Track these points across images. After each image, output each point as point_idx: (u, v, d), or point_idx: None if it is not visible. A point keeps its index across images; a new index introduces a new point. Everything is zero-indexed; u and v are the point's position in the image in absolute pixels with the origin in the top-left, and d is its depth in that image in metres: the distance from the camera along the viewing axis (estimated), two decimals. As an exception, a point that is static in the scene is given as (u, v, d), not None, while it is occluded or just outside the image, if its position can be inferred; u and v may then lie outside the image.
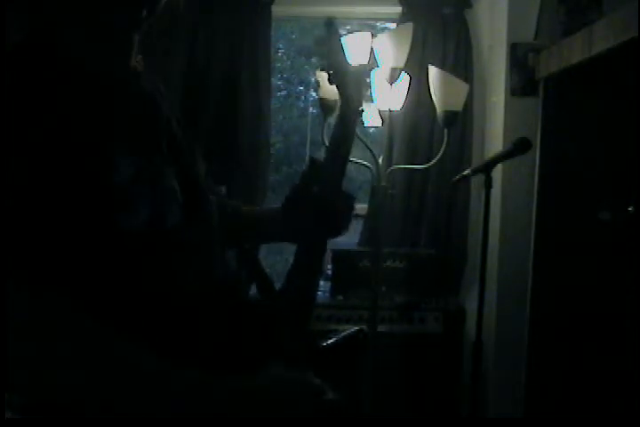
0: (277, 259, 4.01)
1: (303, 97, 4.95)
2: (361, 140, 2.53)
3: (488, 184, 2.13)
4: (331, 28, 1.03)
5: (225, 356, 0.83)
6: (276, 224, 1.09)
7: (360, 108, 1.05)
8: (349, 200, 1.04)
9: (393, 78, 2.41)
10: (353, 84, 1.04)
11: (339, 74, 1.03)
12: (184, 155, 0.91)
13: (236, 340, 0.86)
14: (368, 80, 1.09)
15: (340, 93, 1.04)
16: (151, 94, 0.90)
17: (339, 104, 1.03)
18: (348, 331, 0.94)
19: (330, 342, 0.91)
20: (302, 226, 0.97)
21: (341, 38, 1.05)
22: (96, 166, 0.74)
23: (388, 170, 2.64)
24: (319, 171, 1.00)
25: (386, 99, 2.47)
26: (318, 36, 1.05)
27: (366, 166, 2.53)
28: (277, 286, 0.93)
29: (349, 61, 1.05)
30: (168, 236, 0.80)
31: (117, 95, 0.83)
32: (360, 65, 1.07)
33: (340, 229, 1.05)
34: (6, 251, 0.66)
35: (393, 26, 2.94)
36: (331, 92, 2.41)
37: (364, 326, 0.98)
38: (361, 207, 2.94)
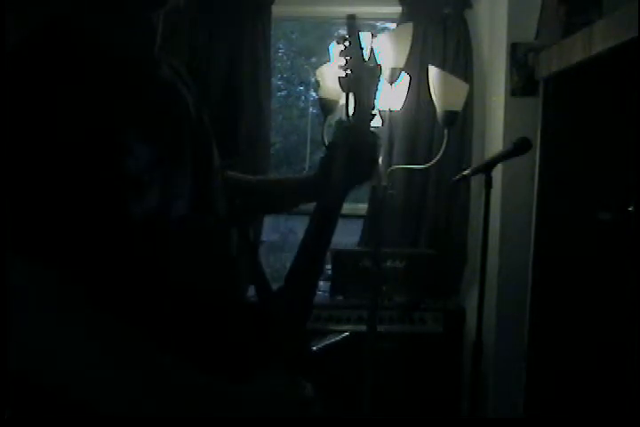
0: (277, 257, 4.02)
1: (303, 97, 4.95)
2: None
3: (488, 184, 2.13)
4: (352, 25, 1.03)
5: (219, 353, 0.83)
6: (304, 186, 1.16)
7: (372, 110, 1.06)
8: (374, 145, 1.08)
9: (393, 78, 2.41)
10: (367, 85, 1.04)
11: (354, 74, 1.03)
12: (200, 142, 0.90)
13: (232, 339, 0.86)
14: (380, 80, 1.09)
15: (354, 95, 1.04)
16: (174, 81, 0.90)
17: (345, 102, 1.04)
18: (336, 337, 0.95)
19: (319, 346, 0.91)
20: (336, 175, 1.00)
21: (360, 36, 1.05)
22: (112, 152, 0.73)
23: (388, 170, 2.64)
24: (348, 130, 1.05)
25: (386, 99, 2.47)
26: (339, 35, 1.05)
27: (366, 166, 2.53)
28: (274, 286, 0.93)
29: (367, 59, 1.05)
30: (176, 226, 0.80)
31: (140, 82, 0.82)
32: (377, 65, 1.06)
33: (366, 172, 1.09)
34: (15, 233, 0.65)
35: (393, 26, 2.94)
36: (331, 92, 2.41)
37: (348, 333, 0.98)
38: (361, 207, 2.95)
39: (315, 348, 0.90)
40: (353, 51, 1.03)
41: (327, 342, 0.92)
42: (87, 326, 0.68)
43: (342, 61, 1.04)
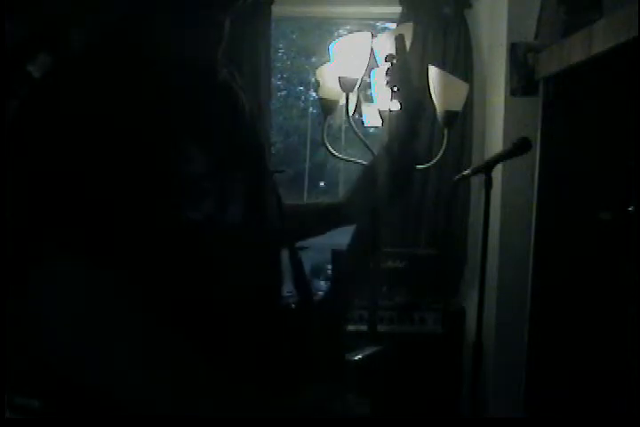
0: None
1: (303, 97, 4.95)
2: (361, 140, 2.53)
3: (488, 184, 2.13)
4: (399, 43, 1.02)
5: (258, 360, 0.83)
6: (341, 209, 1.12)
7: (416, 136, 1.04)
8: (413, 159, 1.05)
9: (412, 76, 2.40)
10: (413, 104, 1.02)
11: (403, 92, 1.02)
12: (254, 151, 0.89)
13: (271, 346, 0.86)
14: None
15: (402, 112, 1.03)
16: (233, 88, 0.89)
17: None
18: (370, 350, 0.96)
19: (357, 357, 0.92)
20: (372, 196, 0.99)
21: (408, 54, 1.03)
22: (171, 157, 0.73)
23: (388, 170, 2.64)
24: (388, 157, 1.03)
25: (386, 99, 2.47)
26: (389, 54, 1.03)
27: (366, 166, 2.53)
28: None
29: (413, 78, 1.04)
30: (226, 233, 0.80)
31: (203, 88, 0.81)
32: (423, 85, 1.06)
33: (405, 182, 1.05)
34: (71, 233, 0.66)
35: (393, 26, 2.94)
36: (331, 92, 2.41)
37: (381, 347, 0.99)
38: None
39: (356, 358, 0.91)
40: (402, 71, 1.02)
41: (365, 353, 0.93)
42: (137, 329, 0.69)
43: (391, 80, 1.03)
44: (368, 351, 0.94)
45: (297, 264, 0.95)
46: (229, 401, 0.70)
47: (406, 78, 1.02)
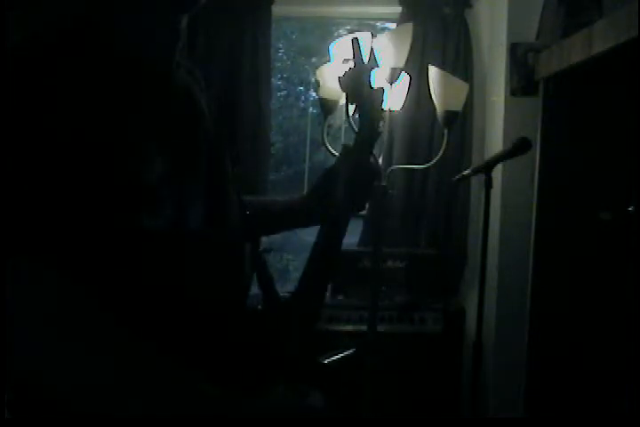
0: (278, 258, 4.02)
1: (303, 97, 4.95)
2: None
3: (488, 184, 2.13)
4: (355, 47, 1.01)
5: (229, 363, 0.83)
6: (301, 209, 1.13)
7: (379, 128, 1.05)
8: (371, 174, 1.06)
9: (393, 78, 2.41)
10: (371, 105, 1.02)
11: (357, 95, 1.02)
12: (214, 153, 0.88)
13: (241, 348, 0.86)
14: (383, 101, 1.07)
15: (360, 114, 1.03)
16: (191, 89, 0.88)
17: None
18: (343, 352, 0.96)
19: (329, 360, 0.92)
20: (331, 201, 1.00)
21: (364, 57, 1.02)
22: (126, 163, 0.71)
23: (388, 170, 2.64)
24: (349, 155, 1.04)
25: (386, 99, 2.47)
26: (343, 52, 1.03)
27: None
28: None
29: (372, 82, 1.04)
30: (188, 238, 0.79)
31: (158, 90, 0.80)
32: (380, 87, 1.05)
33: (362, 200, 1.07)
34: (25, 240, 0.65)
35: (393, 26, 2.94)
36: (331, 92, 2.41)
37: (354, 350, 0.99)
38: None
39: (326, 361, 0.91)
40: (357, 71, 1.01)
41: (336, 356, 0.93)
42: (96, 337, 0.68)
43: (345, 81, 1.02)
44: (340, 354, 0.94)
45: (261, 265, 0.95)
46: (196, 402, 0.69)
47: (360, 83, 1.01)
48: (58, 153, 0.66)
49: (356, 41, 0.99)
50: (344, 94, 1.03)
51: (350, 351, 0.96)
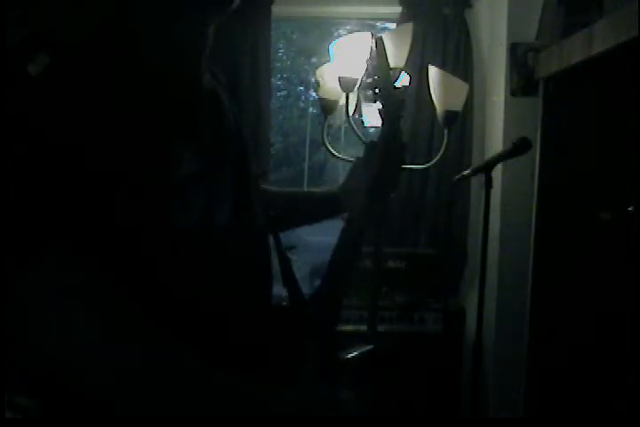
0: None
1: (303, 97, 4.95)
2: (361, 140, 2.53)
3: (488, 184, 2.13)
4: (378, 47, 1.02)
5: (252, 358, 0.84)
6: (335, 199, 1.16)
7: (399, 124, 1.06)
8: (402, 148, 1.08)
9: (393, 78, 2.41)
10: (394, 104, 1.04)
11: (384, 93, 1.03)
12: (239, 153, 0.91)
13: (264, 343, 0.87)
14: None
15: (384, 111, 1.05)
16: (217, 91, 0.90)
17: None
18: (361, 348, 0.97)
19: (349, 355, 0.93)
20: (359, 190, 1.02)
21: (388, 57, 1.05)
22: (158, 162, 0.74)
23: (388, 170, 2.64)
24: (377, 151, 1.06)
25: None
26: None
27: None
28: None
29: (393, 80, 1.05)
30: (215, 235, 0.81)
31: (188, 92, 0.82)
32: (403, 86, 1.08)
33: (394, 179, 1.09)
34: (57, 236, 0.66)
35: (393, 26, 2.94)
36: (331, 92, 2.41)
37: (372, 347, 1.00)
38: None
39: (347, 356, 0.92)
40: (382, 72, 1.03)
41: (356, 352, 0.94)
42: (122, 332, 0.69)
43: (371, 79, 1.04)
44: (361, 350, 0.95)
45: (285, 263, 0.96)
46: (222, 401, 0.71)
47: (387, 80, 1.04)
48: (97, 152, 0.68)
49: (380, 41, 1.00)
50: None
51: (369, 348, 0.97)
